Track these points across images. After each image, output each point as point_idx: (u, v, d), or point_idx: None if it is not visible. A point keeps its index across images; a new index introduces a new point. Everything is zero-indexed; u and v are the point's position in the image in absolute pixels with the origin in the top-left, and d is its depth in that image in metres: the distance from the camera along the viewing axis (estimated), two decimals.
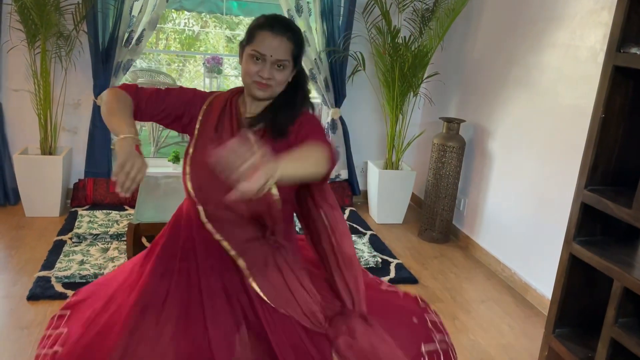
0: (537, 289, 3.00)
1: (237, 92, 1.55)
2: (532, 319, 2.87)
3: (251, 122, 1.48)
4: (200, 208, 1.43)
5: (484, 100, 3.57)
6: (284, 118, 1.45)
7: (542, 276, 2.97)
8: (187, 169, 1.45)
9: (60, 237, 3.25)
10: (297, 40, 1.43)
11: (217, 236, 1.42)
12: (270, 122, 1.46)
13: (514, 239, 3.23)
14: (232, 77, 7.31)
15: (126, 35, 3.65)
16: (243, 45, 1.46)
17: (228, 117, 1.48)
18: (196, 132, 1.49)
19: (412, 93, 3.81)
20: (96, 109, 3.74)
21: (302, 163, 1.25)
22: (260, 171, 1.07)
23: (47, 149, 3.59)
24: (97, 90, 3.69)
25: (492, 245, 3.47)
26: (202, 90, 1.60)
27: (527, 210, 3.12)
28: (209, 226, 1.42)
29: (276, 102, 1.49)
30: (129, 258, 2.90)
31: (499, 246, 3.40)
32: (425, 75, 3.86)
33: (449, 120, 3.62)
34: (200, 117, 1.50)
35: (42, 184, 3.52)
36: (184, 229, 1.50)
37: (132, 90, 1.50)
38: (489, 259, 3.45)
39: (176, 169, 4.19)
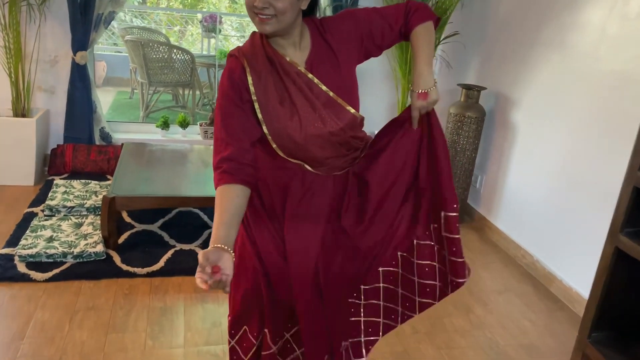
0: (562, 279, 2.66)
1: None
2: (556, 314, 2.54)
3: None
4: (305, 164, 1.34)
5: (508, 65, 3.16)
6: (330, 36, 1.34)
7: (569, 266, 2.63)
8: (280, 152, 1.31)
9: (31, 209, 2.92)
10: None
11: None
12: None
13: (537, 223, 2.88)
14: (232, 39, 6.87)
15: None
16: None
17: (283, 72, 1.28)
18: (257, 106, 1.27)
19: None
20: (75, 67, 3.36)
21: (430, 53, 1.33)
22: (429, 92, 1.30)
23: (20, 111, 3.23)
24: (76, 46, 3.30)
25: (511, 228, 3.12)
26: (224, 68, 1.32)
27: (554, 191, 2.76)
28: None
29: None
30: (103, 235, 2.59)
31: (519, 229, 3.05)
32: (443, 36, 3.45)
33: (468, 87, 3.22)
34: (253, 90, 1.27)
35: (15, 149, 3.18)
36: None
37: (223, 168, 1.25)
38: (508, 244, 3.11)
39: (164, 136, 3.83)
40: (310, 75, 1.27)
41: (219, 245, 1.12)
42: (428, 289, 1.45)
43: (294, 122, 1.25)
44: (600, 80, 2.46)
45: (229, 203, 1.22)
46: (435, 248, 1.43)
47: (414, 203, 1.44)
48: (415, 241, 1.45)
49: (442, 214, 1.39)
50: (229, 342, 1.52)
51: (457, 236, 1.38)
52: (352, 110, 1.30)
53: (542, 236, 2.84)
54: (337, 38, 1.32)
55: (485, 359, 2.16)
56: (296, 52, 1.30)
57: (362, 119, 1.34)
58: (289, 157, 1.30)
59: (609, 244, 1.86)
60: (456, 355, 2.17)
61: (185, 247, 2.73)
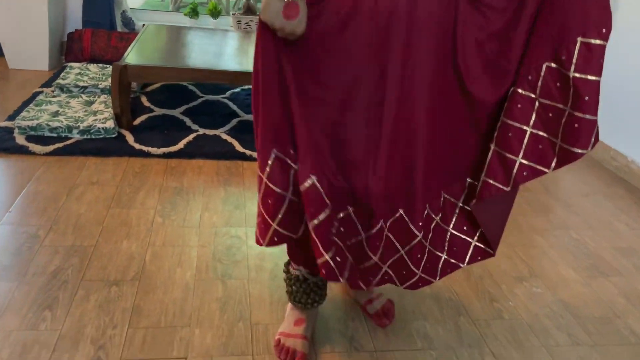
0: None
1: None
2: None
3: None
4: None
5: None
6: None
7: None
8: None
9: (42, 89, 2.60)
10: None
11: None
12: None
13: (633, 118, 2.34)
14: None
15: None
16: None
17: None
18: None
19: None
20: None
21: None
22: None
23: None
24: None
25: None
26: None
27: None
28: None
29: None
30: (114, 109, 2.22)
31: (607, 128, 2.51)
32: None
33: None
34: None
35: (26, 27, 2.83)
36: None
37: None
38: None
39: (194, 24, 3.41)
40: None
41: None
42: (508, 164, 0.99)
43: None
44: None
45: None
46: (537, 104, 0.96)
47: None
48: (511, 89, 0.98)
49: (579, 40, 0.90)
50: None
51: (595, 78, 0.89)
52: None
53: (638, 133, 2.31)
54: None
55: (572, 260, 1.72)
56: None
57: None
58: None
59: None
60: (534, 254, 1.74)
61: (210, 132, 2.35)
